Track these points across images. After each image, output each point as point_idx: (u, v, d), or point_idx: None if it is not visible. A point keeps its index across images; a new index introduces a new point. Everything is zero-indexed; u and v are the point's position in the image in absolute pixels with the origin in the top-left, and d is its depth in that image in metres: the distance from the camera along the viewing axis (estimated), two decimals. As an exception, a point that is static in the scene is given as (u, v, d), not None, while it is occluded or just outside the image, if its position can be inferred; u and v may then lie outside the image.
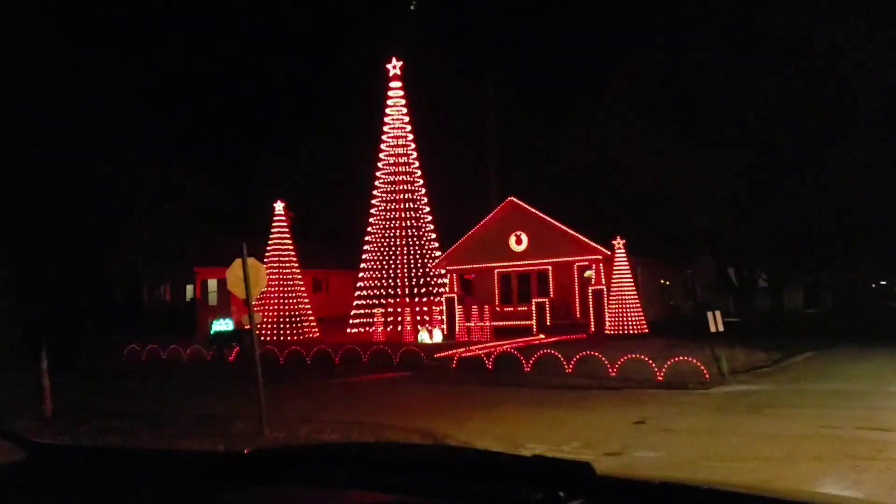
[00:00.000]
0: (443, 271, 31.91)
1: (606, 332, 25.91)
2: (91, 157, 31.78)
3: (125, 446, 8.75)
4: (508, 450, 8.84)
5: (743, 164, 25.35)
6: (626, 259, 26.27)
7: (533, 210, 30.00)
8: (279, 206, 31.37)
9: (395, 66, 33.84)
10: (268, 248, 30.94)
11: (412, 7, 34.68)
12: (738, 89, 25.32)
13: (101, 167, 32.15)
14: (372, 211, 33.34)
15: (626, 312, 25.97)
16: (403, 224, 32.67)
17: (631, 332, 25.55)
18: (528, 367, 18.34)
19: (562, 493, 1.70)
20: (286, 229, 31.39)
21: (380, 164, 33.47)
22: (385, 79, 33.85)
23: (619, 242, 26.25)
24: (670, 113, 26.33)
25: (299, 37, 64.57)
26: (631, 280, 26.45)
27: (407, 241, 32.52)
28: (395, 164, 33.14)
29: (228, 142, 48.22)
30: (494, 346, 21.50)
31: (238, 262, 10.92)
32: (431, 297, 31.67)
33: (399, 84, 33.70)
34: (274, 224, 31.38)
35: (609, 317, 26.23)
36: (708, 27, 25.54)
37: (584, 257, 28.86)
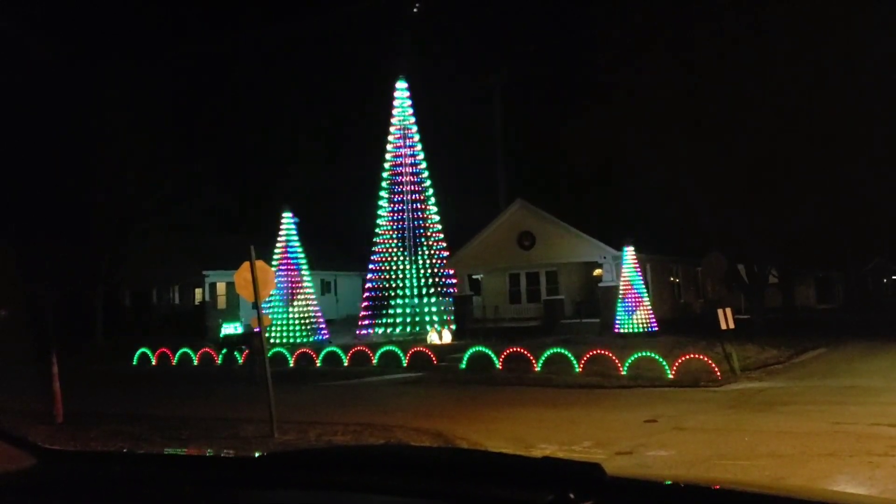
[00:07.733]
0: (452, 271, 31.88)
1: (616, 330, 25.82)
2: (101, 158, 31.92)
3: (135, 451, 8.77)
4: (519, 450, 8.83)
5: (753, 159, 25.22)
6: (635, 257, 26.17)
7: (541, 210, 29.95)
8: (286, 210, 31.44)
9: (400, 67, 33.89)
10: (276, 250, 31.01)
11: (415, 9, 34.64)
12: (747, 84, 25.19)
13: (111, 170, 32.28)
14: (380, 212, 33.34)
15: (636, 310, 25.87)
16: (411, 224, 32.64)
17: (641, 330, 25.45)
18: (537, 366, 18.31)
19: (572, 495, 1.68)
20: (294, 232, 31.45)
21: (386, 165, 33.46)
22: (391, 80, 33.85)
23: (628, 240, 26.16)
24: (679, 109, 26.20)
25: (305, 37, 64.69)
26: (640, 278, 26.35)
27: (415, 242, 32.48)
28: (402, 164, 33.13)
29: (237, 145, 48.40)
30: (504, 346, 21.43)
31: (246, 264, 10.94)
32: (440, 298, 31.63)
33: (405, 84, 33.68)
34: (281, 227, 31.44)
35: (619, 315, 26.13)
36: (717, 23, 25.40)
37: (593, 256, 28.78)
